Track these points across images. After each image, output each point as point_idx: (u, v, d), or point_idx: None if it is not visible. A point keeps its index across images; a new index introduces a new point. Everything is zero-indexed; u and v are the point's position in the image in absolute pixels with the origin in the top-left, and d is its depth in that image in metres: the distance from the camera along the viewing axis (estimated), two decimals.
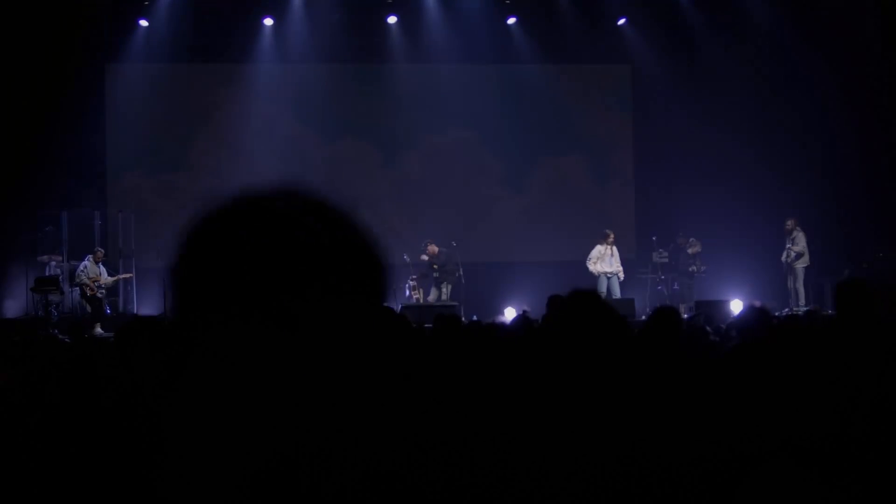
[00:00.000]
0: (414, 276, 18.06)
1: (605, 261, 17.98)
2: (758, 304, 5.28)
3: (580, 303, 3.34)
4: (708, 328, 8.42)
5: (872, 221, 18.06)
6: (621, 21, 20.13)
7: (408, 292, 17.92)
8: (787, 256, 17.77)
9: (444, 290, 18.00)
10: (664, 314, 5.12)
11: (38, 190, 18.44)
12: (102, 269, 17.18)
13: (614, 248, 18.09)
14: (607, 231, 18.17)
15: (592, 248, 18.16)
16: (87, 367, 4.32)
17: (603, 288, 17.78)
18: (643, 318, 15.97)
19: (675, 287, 18.92)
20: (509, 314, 16.24)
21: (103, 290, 17.23)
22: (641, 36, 20.11)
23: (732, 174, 19.27)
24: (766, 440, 3.36)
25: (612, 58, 20.74)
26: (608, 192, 20.70)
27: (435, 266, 18.00)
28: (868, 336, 4.25)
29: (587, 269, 17.99)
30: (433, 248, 18.03)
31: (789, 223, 17.82)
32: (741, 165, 19.30)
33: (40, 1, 17.96)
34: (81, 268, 16.92)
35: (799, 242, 17.72)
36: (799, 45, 18.98)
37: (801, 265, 17.72)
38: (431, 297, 17.88)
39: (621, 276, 18.10)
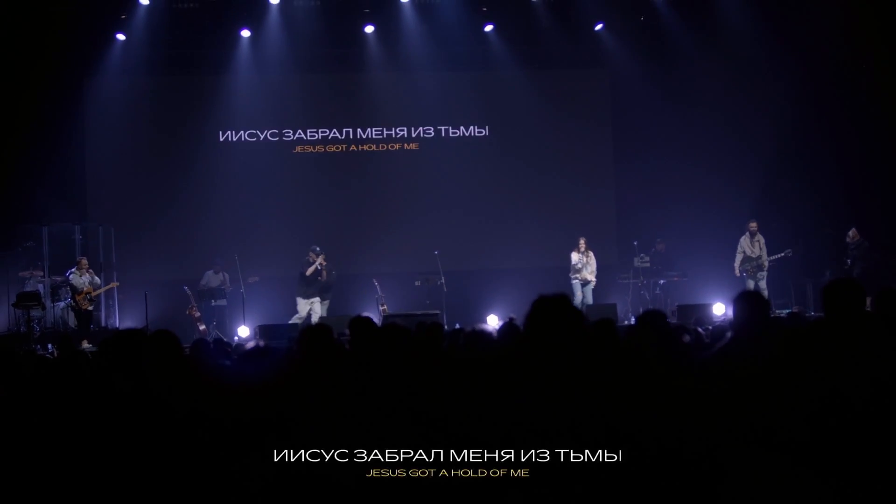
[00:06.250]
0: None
1: (585, 269, 18.02)
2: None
3: (549, 309, 3.35)
4: (700, 329, 8.40)
5: (853, 222, 18.11)
6: (598, 26, 20.12)
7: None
8: (753, 254, 17.82)
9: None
10: (651, 317, 5.14)
11: (17, 205, 18.38)
12: (89, 277, 17.28)
13: (590, 253, 18.11)
14: (580, 238, 18.23)
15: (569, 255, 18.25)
16: (75, 379, 4.30)
17: (579, 294, 17.81)
18: (626, 323, 16.01)
19: (658, 291, 18.94)
20: (492, 321, 16.18)
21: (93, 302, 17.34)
22: (619, 41, 20.11)
23: (712, 178, 19.32)
24: (755, 435, 3.37)
25: (589, 63, 20.74)
26: (588, 196, 20.63)
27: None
28: (865, 335, 4.26)
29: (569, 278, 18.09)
30: None
31: (753, 225, 17.93)
32: (721, 169, 19.36)
33: (17, 17, 17.88)
34: (72, 281, 17.02)
35: (762, 243, 17.88)
36: (775, 49, 19.09)
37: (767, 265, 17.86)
38: None
39: (593, 282, 18.15)
